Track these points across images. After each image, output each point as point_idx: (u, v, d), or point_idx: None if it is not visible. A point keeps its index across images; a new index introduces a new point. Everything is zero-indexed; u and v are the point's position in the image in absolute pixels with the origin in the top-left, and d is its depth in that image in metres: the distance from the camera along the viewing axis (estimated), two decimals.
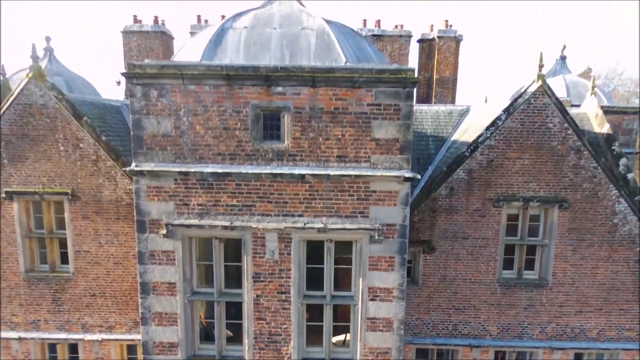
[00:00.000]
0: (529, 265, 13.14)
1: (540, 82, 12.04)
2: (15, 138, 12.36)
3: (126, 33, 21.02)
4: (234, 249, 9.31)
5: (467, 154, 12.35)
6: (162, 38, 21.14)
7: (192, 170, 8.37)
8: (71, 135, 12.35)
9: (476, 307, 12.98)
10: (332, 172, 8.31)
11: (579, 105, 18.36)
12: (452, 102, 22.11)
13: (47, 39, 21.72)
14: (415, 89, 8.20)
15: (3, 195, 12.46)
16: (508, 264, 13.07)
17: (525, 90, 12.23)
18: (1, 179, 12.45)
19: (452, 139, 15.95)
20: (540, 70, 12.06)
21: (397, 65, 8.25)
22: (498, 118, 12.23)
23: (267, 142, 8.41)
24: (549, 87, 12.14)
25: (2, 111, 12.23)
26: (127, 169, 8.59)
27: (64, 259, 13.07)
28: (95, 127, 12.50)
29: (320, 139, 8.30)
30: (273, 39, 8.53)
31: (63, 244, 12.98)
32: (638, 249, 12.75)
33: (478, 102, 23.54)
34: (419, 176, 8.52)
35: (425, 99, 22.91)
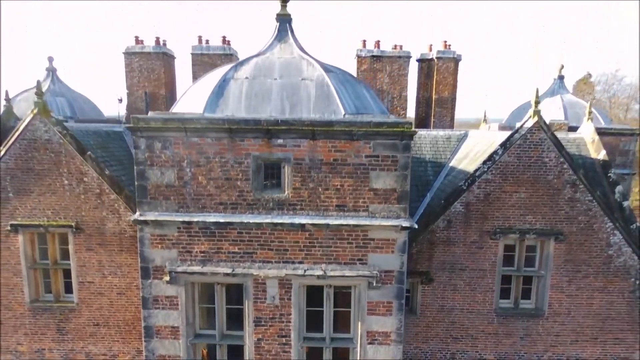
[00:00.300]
0: (526, 294, 13.36)
1: (536, 118, 12.24)
2: (21, 172, 12.58)
3: (128, 54, 21.21)
4: (235, 291, 9.53)
5: (465, 188, 12.55)
6: (163, 59, 21.33)
7: (195, 219, 8.59)
8: (75, 170, 12.55)
9: (474, 336, 13.19)
10: (331, 222, 8.53)
11: (576, 128, 18.60)
12: (451, 120, 22.32)
13: (50, 59, 21.98)
14: (411, 141, 8.40)
15: (8, 228, 12.68)
16: (505, 293, 13.30)
17: (521, 126, 12.43)
18: (7, 211, 12.68)
19: (451, 165, 16.15)
20: (536, 107, 12.27)
21: (394, 118, 8.43)
22: (495, 152, 12.43)
23: (268, 191, 8.62)
24: (544, 123, 12.36)
25: (7, 146, 12.45)
26: (132, 218, 8.80)
27: (68, 289, 13.32)
28: (99, 161, 12.70)
29: (320, 189, 8.52)
30: (274, 90, 8.73)
31: (67, 273, 13.21)
32: (633, 279, 12.97)
33: (479, 126, 23.75)
34: (415, 225, 8.72)
35: (424, 118, 23.12)
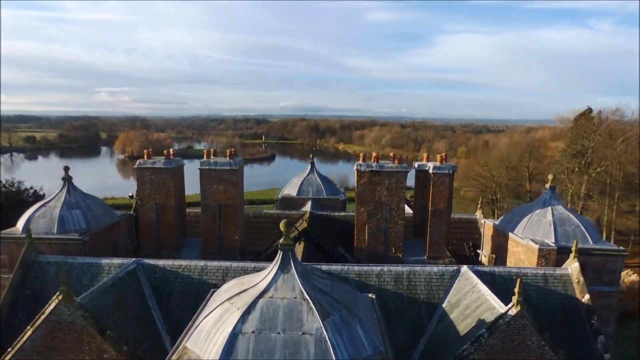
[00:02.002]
0: None
1: (519, 307, 13.28)
2: (46, 349, 13.80)
3: (140, 169, 22.33)
4: None
5: None
6: (173, 172, 22.46)
7: None
8: (96, 348, 13.75)
9: None
10: None
11: (565, 248, 19.58)
12: (447, 228, 23.32)
13: (66, 168, 23.17)
14: None
15: None
16: None
17: (505, 313, 13.49)
18: None
19: (444, 306, 17.22)
20: (519, 297, 13.29)
21: None
22: (481, 335, 13.50)
23: None
24: (527, 310, 13.40)
25: (35, 327, 13.66)
26: None
27: None
28: (118, 340, 13.87)
29: None
30: (277, 349, 9.81)
31: None
32: None
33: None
34: None
35: (420, 224, 24.18)
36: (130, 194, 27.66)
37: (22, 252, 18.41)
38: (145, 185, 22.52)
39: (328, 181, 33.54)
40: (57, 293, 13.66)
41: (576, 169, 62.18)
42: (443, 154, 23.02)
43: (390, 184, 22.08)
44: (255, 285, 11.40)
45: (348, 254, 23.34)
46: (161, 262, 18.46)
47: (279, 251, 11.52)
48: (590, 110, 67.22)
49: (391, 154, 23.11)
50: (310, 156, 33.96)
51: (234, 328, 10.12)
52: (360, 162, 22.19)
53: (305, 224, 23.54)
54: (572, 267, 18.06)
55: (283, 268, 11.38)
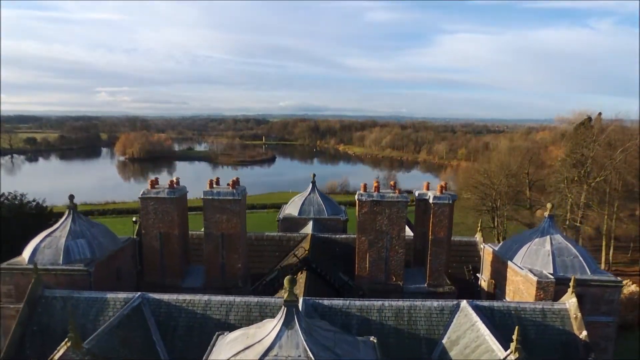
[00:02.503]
0: None
1: (517, 354, 13.59)
2: None
3: (144, 199, 22.62)
4: None
5: None
6: (176, 202, 22.75)
7: None
8: None
9: None
10: None
11: (563, 279, 19.89)
12: (447, 256, 23.61)
13: (71, 197, 23.42)
14: None
15: None
16: None
17: (505, 358, 13.80)
18: None
19: (443, 342, 17.52)
20: (517, 343, 13.59)
21: None
22: None
23: None
24: (524, 357, 13.70)
25: None
26: None
27: None
28: None
29: None
30: None
31: None
32: None
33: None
34: None
35: (421, 251, 24.49)
36: (134, 219, 27.94)
37: (30, 287, 18.71)
38: (149, 215, 22.81)
39: (329, 200, 33.83)
40: (66, 339, 13.96)
41: (576, 178, 62.42)
42: (443, 183, 23.32)
43: (391, 213, 22.36)
44: (260, 341, 11.72)
45: (351, 281, 23.63)
46: (166, 297, 18.75)
47: (283, 307, 11.82)
48: (589, 119, 67.50)
49: (392, 183, 23.42)
50: (312, 175, 34.27)
51: None
52: (362, 191, 22.49)
53: (306, 253, 23.83)
54: (569, 302, 18.37)
55: (287, 324, 11.69)
